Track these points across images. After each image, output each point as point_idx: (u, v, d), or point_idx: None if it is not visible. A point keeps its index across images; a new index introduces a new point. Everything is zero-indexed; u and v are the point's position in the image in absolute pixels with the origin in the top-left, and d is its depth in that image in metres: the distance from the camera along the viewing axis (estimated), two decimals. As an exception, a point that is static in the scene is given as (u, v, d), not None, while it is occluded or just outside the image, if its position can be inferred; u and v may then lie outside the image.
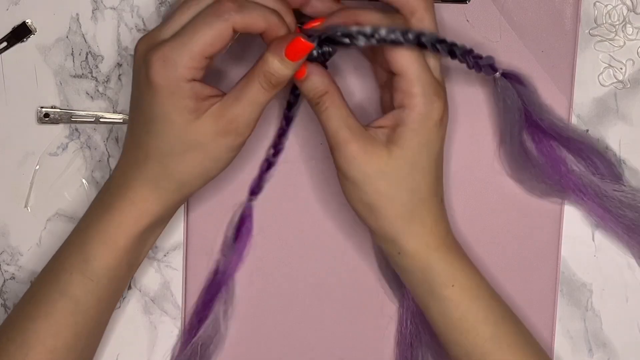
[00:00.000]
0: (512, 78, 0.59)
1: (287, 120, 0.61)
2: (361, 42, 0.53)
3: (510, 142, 0.61)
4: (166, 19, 0.55)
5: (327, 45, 0.54)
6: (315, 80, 0.55)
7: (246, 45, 0.62)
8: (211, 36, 0.52)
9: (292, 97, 0.61)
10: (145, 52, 0.53)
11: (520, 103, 0.59)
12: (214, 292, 0.64)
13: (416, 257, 0.56)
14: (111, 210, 0.56)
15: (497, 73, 0.58)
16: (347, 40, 0.53)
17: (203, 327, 0.63)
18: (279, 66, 0.53)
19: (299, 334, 0.65)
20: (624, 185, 0.63)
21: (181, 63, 0.52)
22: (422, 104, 0.53)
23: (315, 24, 0.55)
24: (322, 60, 0.56)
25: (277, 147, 0.63)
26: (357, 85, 0.63)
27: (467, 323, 0.57)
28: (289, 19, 0.55)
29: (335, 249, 0.65)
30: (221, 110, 0.53)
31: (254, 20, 0.52)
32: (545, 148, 0.61)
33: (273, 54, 0.53)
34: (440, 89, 0.54)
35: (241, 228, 0.64)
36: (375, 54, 0.60)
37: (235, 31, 0.52)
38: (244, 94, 0.53)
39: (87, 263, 0.56)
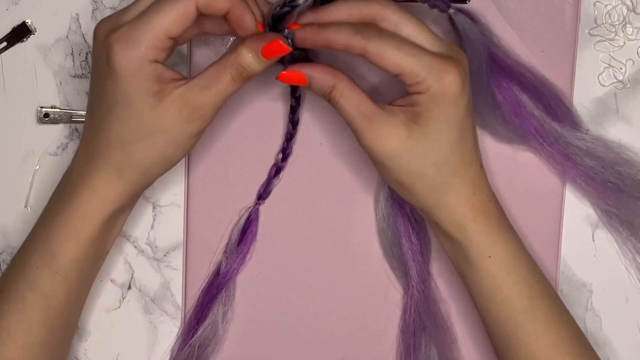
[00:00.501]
0: (465, 14, 0.58)
1: (293, 124, 0.62)
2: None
3: (476, 81, 0.59)
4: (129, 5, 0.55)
5: (280, 18, 0.54)
6: (319, 81, 0.54)
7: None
8: (175, 13, 0.51)
9: (293, 100, 0.62)
10: (106, 35, 0.52)
11: (482, 37, 0.58)
12: (213, 293, 0.64)
13: (452, 227, 0.56)
14: (74, 200, 0.55)
15: (451, 9, 0.57)
16: (288, 8, 0.53)
17: (201, 328, 0.63)
18: (252, 61, 0.53)
19: (299, 337, 0.65)
20: (584, 133, 0.62)
21: (144, 42, 0.51)
22: (432, 86, 0.53)
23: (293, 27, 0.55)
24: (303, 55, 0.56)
25: (285, 151, 0.63)
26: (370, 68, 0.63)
27: (502, 295, 0.57)
28: (255, 9, 0.54)
29: (337, 248, 0.65)
30: (187, 96, 0.53)
31: None
32: (506, 91, 0.60)
33: (249, 49, 0.53)
34: (447, 62, 0.53)
35: (246, 231, 0.64)
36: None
37: (198, 10, 0.52)
38: (214, 83, 0.53)
39: (53, 257, 0.55)
